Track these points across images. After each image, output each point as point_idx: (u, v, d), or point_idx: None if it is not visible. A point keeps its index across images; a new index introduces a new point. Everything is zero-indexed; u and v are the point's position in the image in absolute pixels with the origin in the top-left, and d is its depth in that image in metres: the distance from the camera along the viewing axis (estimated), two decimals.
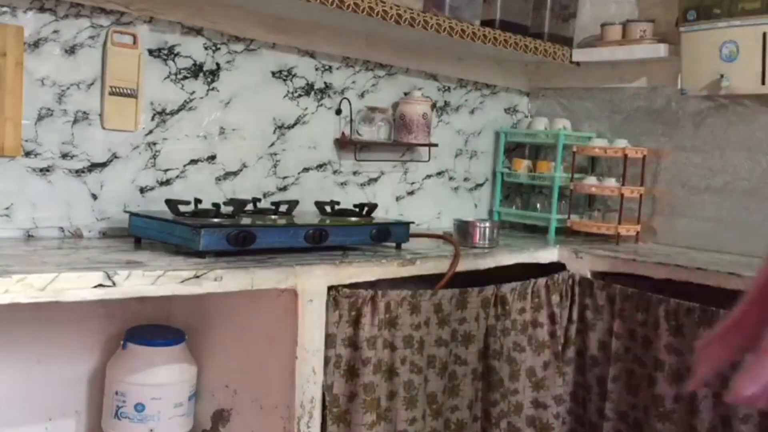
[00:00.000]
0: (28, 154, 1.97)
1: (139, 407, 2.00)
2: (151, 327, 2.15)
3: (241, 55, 2.37)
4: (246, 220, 1.98)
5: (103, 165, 2.11)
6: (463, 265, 2.19)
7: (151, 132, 2.19)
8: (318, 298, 1.85)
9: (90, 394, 2.13)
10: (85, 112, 2.06)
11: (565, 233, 2.97)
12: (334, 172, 2.68)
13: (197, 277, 1.64)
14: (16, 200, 1.96)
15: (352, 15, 2.28)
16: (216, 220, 1.89)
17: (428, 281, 2.11)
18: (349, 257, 2.00)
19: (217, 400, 2.12)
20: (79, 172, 2.06)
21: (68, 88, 2.02)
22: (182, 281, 1.62)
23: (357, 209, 2.27)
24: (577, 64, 3.08)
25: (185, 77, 2.25)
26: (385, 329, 1.97)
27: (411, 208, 2.95)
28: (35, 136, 1.98)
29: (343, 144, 2.66)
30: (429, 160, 2.94)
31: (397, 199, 2.91)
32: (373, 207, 2.28)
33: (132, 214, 2.01)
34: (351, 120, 2.67)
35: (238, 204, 2.03)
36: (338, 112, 2.65)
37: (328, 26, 2.54)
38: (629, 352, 2.31)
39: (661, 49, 2.83)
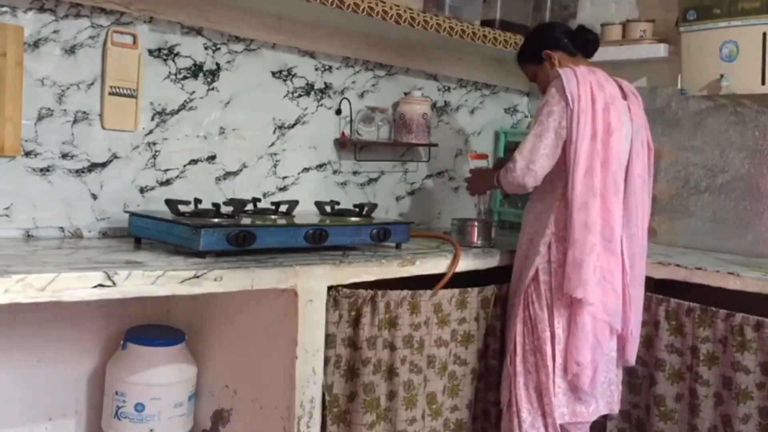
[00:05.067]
0: (28, 154, 1.97)
1: (139, 407, 2.00)
2: (151, 327, 2.15)
3: (241, 55, 2.37)
4: (246, 220, 1.98)
5: (103, 165, 2.11)
6: (463, 265, 2.19)
7: (151, 132, 2.19)
8: (318, 298, 1.85)
9: (90, 394, 2.13)
10: (85, 112, 2.06)
11: None
12: (334, 172, 2.68)
13: (197, 277, 1.64)
14: (16, 200, 1.96)
15: (352, 15, 2.29)
16: (216, 220, 1.89)
17: (428, 281, 2.11)
18: (349, 257, 2.00)
19: (217, 400, 2.12)
20: (79, 172, 2.06)
21: (68, 88, 2.02)
22: (182, 281, 1.62)
23: (357, 209, 2.27)
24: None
25: (185, 77, 2.25)
26: (384, 329, 1.97)
27: (411, 208, 2.95)
28: (35, 136, 1.98)
29: (343, 144, 2.66)
30: (429, 160, 2.94)
31: (397, 199, 2.91)
32: (373, 207, 2.28)
33: (132, 214, 2.01)
34: (351, 120, 2.67)
35: (238, 204, 2.03)
36: (338, 112, 2.65)
37: (328, 26, 2.54)
38: None
39: (661, 49, 2.83)
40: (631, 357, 2.17)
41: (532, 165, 2.06)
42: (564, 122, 2.04)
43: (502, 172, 2.16)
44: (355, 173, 2.74)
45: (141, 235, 1.98)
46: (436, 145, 2.87)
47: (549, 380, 2.05)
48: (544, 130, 2.06)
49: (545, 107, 2.08)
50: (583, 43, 2.27)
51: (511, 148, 3.24)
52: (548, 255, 2.09)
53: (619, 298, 2.08)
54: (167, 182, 2.24)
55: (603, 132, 2.05)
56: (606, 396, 2.14)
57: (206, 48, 2.29)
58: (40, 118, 1.98)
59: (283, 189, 2.52)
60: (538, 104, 2.37)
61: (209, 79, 2.30)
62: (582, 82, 2.06)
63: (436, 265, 2.14)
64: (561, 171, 2.08)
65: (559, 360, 2.05)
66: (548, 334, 2.06)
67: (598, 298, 2.02)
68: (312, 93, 2.58)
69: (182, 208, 1.97)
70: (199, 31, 2.27)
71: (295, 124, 2.54)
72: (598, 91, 2.07)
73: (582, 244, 2.01)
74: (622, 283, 2.08)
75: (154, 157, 2.20)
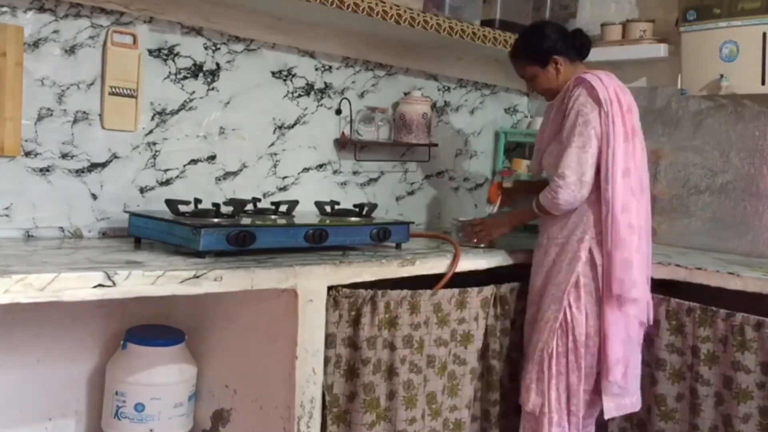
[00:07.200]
0: (28, 154, 1.97)
1: (139, 407, 2.00)
2: (151, 327, 2.15)
3: (241, 55, 2.37)
4: (246, 220, 1.98)
5: (103, 165, 2.11)
6: (463, 265, 2.19)
7: (151, 132, 2.19)
8: (318, 298, 1.85)
9: (90, 394, 2.13)
10: (85, 112, 2.06)
11: None
12: (334, 172, 2.68)
13: (197, 277, 1.64)
14: (16, 200, 1.96)
15: (352, 15, 2.29)
16: (216, 220, 1.89)
17: (428, 281, 2.11)
18: (349, 257, 2.00)
19: (217, 400, 2.12)
20: (79, 172, 2.06)
21: (68, 88, 2.02)
22: (182, 281, 1.62)
23: (357, 209, 2.27)
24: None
25: (185, 77, 2.25)
26: (384, 329, 1.97)
27: (411, 208, 2.95)
28: (35, 136, 1.98)
29: (343, 144, 2.66)
30: (429, 160, 2.94)
31: (397, 199, 2.91)
32: (373, 207, 2.28)
33: (132, 214, 2.01)
34: (351, 120, 2.67)
35: (238, 204, 2.03)
36: (338, 112, 2.65)
37: (328, 26, 2.54)
38: None
39: (661, 49, 2.83)
40: None
41: (584, 177, 2.07)
42: (600, 127, 2.08)
43: (546, 195, 2.14)
44: (355, 173, 2.74)
45: (141, 235, 1.98)
46: (436, 145, 2.87)
47: (580, 382, 2.12)
48: (586, 140, 2.08)
49: (579, 117, 2.09)
50: (580, 47, 2.29)
51: (512, 147, 3.25)
52: (590, 259, 2.12)
53: (647, 294, 2.17)
54: (167, 182, 2.24)
55: (631, 134, 2.12)
56: (639, 389, 2.20)
57: (206, 48, 2.29)
58: (40, 118, 1.98)
59: (283, 189, 2.52)
60: (539, 104, 2.37)
61: (209, 79, 2.30)
62: (608, 85, 2.11)
63: (436, 265, 2.14)
64: (595, 176, 2.11)
65: (597, 358, 2.12)
66: (584, 337, 2.11)
67: None
68: (312, 93, 2.58)
69: (182, 208, 1.97)
70: (199, 31, 2.27)
71: (295, 124, 2.54)
72: (621, 94, 2.14)
73: (629, 245, 2.07)
74: (647, 279, 2.17)
75: (154, 157, 2.20)
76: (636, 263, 2.07)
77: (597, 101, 2.08)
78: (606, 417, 2.14)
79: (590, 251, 2.12)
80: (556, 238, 2.19)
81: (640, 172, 2.13)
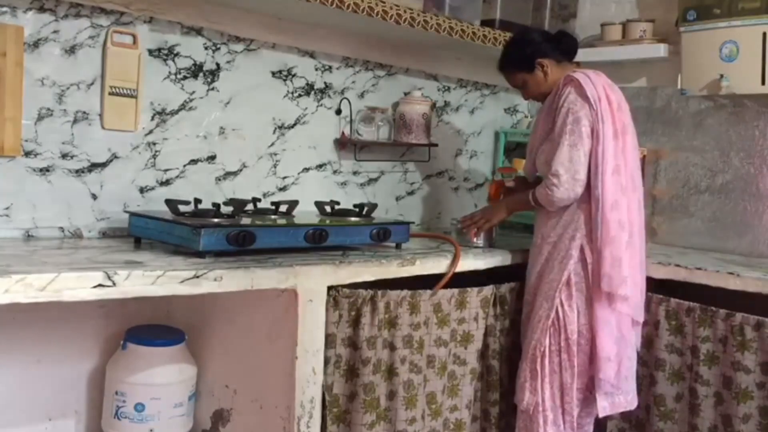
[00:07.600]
0: (28, 154, 1.97)
1: (139, 407, 2.00)
2: (151, 327, 2.15)
3: (241, 55, 2.37)
4: (246, 220, 1.98)
5: (103, 165, 2.11)
6: (463, 265, 2.19)
7: (151, 132, 2.19)
8: (318, 298, 1.86)
9: (90, 394, 2.13)
10: (85, 112, 2.06)
11: None
12: (334, 172, 2.68)
13: (197, 277, 1.64)
14: (16, 200, 1.96)
15: (352, 15, 2.29)
16: (216, 220, 1.89)
17: (428, 281, 2.11)
18: (349, 257, 2.00)
19: (217, 400, 2.12)
20: (79, 172, 2.06)
21: (68, 88, 2.02)
22: (182, 281, 1.62)
23: (357, 209, 2.27)
24: (577, 64, 3.07)
25: (185, 77, 2.25)
26: (384, 329, 1.97)
27: (411, 208, 2.95)
28: (35, 136, 1.98)
29: (343, 144, 2.66)
30: (429, 160, 2.94)
31: (397, 199, 2.91)
32: (373, 207, 2.28)
33: (132, 214, 2.01)
34: (351, 120, 2.67)
35: (238, 204, 2.03)
36: (338, 112, 2.65)
37: (328, 26, 2.54)
38: None
39: (661, 49, 2.83)
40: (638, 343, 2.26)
41: (577, 175, 2.09)
42: (590, 125, 2.09)
43: (541, 191, 2.15)
44: (355, 173, 2.74)
45: (141, 235, 1.98)
46: (436, 145, 2.87)
47: (573, 380, 2.12)
48: (577, 138, 2.09)
49: (569, 115, 2.10)
50: (567, 48, 2.30)
51: (512, 147, 3.25)
52: (581, 257, 2.13)
53: (639, 290, 2.16)
54: (167, 182, 2.24)
55: (620, 131, 2.12)
56: (634, 388, 2.20)
57: (206, 48, 2.29)
58: (40, 118, 1.98)
59: (283, 189, 2.52)
60: (539, 104, 2.38)
61: (209, 79, 2.30)
62: (596, 83, 2.12)
63: (436, 265, 2.14)
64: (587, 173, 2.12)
65: (589, 356, 2.12)
66: (576, 335, 2.12)
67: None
68: (312, 93, 2.58)
69: (182, 208, 1.97)
70: (199, 31, 2.27)
71: (295, 124, 2.54)
72: (611, 91, 2.14)
73: (619, 242, 2.08)
74: (641, 277, 2.17)
75: (154, 157, 2.20)
76: (626, 260, 2.08)
77: (586, 99, 2.09)
78: (600, 415, 2.14)
79: (581, 249, 2.13)
80: (549, 237, 2.20)
81: (631, 169, 2.13)
